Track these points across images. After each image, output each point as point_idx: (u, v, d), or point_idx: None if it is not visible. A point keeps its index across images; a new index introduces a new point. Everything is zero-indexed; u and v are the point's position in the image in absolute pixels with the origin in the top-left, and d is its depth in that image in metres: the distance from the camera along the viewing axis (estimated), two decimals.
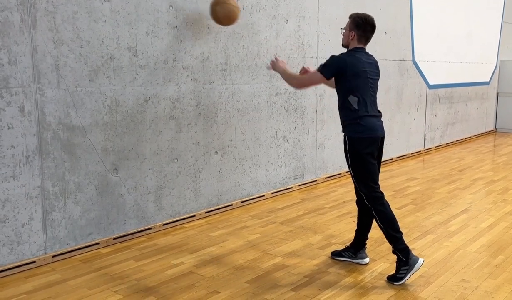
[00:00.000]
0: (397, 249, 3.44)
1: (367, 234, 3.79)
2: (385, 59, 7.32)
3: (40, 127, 3.65)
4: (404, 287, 3.39)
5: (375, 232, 4.16)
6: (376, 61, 3.61)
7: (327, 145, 6.44)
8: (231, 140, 5.14)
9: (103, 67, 3.98)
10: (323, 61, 3.61)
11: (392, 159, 7.82)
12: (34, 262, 3.71)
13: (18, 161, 3.56)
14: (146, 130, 4.34)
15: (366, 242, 3.82)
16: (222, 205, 5.14)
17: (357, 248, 3.79)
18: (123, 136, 4.18)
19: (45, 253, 3.78)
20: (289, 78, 3.69)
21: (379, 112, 3.59)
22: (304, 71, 3.83)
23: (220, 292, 3.31)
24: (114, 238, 4.21)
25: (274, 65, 3.77)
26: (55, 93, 3.70)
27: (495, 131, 11.64)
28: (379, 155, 3.59)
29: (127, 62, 4.14)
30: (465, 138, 10.28)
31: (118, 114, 4.13)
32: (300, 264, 3.80)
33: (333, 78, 3.52)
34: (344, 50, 3.64)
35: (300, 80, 3.71)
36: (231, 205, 5.23)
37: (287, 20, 5.63)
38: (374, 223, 3.70)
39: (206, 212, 4.97)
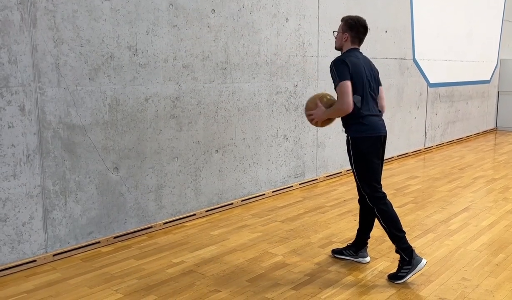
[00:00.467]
0: (400, 248, 3.44)
1: (369, 233, 3.78)
2: (386, 58, 7.31)
3: (41, 126, 3.64)
4: (405, 285, 3.39)
5: (376, 230, 4.16)
6: (371, 61, 3.63)
7: (327, 144, 6.44)
8: (232, 139, 5.14)
9: (103, 66, 3.98)
10: (324, 66, 3.59)
11: (392, 157, 7.82)
12: (34, 261, 3.71)
13: (19, 160, 3.56)
14: (146, 129, 4.34)
15: (368, 241, 3.82)
16: (223, 204, 5.14)
17: (358, 247, 3.79)
18: (124, 135, 4.18)
19: (46, 252, 3.78)
20: (334, 112, 3.47)
21: (380, 111, 3.59)
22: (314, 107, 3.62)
23: (220, 291, 3.31)
24: (115, 237, 4.21)
25: (315, 116, 3.56)
26: (55, 92, 3.70)
27: (496, 130, 11.63)
28: (382, 154, 3.58)
29: (127, 61, 4.13)
30: (466, 136, 10.27)
31: (119, 113, 4.12)
32: (301, 262, 3.80)
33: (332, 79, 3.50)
34: (338, 53, 3.62)
35: (340, 104, 3.41)
36: (232, 203, 5.23)
37: (287, 18, 5.63)
38: (375, 222, 3.70)
39: (206, 211, 4.97)
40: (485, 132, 11.10)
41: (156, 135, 4.43)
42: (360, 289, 3.35)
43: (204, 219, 4.86)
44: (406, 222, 4.68)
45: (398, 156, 7.98)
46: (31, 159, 3.62)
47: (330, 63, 3.48)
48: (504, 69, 11.52)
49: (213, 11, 4.78)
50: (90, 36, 3.87)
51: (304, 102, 5.96)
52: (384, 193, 3.52)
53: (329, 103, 3.54)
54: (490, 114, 11.35)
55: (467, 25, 9.71)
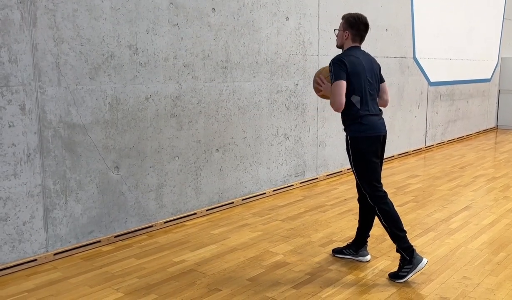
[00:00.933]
0: (401, 247, 3.44)
1: (369, 232, 3.78)
2: (386, 56, 7.31)
3: (41, 125, 3.64)
4: (405, 284, 3.39)
5: (376, 229, 4.16)
6: (373, 58, 3.61)
7: (328, 143, 6.43)
8: (232, 138, 5.14)
9: (103, 65, 3.97)
10: (325, 64, 3.59)
11: (393, 156, 7.81)
12: (35, 260, 3.71)
13: (19, 159, 3.56)
14: (147, 128, 4.34)
15: (368, 240, 3.82)
16: (223, 203, 5.14)
17: (358, 245, 3.79)
18: (124, 134, 4.18)
19: (47, 251, 3.78)
20: (331, 102, 3.47)
21: (380, 110, 3.58)
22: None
23: (221, 290, 3.31)
24: (115, 236, 4.21)
25: (324, 90, 3.57)
26: (55, 91, 3.70)
27: (497, 129, 11.63)
28: (381, 153, 3.58)
29: (127, 60, 4.13)
30: (466, 135, 10.27)
31: (119, 112, 4.12)
32: (301, 261, 3.80)
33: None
34: (340, 51, 3.62)
35: (331, 103, 3.43)
36: (232, 202, 5.23)
37: (287, 17, 5.62)
38: (376, 220, 3.70)
39: (207, 210, 4.97)
40: (485, 131, 11.10)
41: (157, 134, 4.42)
42: (361, 288, 3.35)
43: (205, 218, 4.86)
44: (406, 221, 4.68)
45: (398, 155, 7.98)
46: (32, 158, 3.62)
47: (329, 62, 3.48)
48: (505, 68, 11.51)
49: (213, 10, 4.78)
50: (90, 35, 3.86)
51: (305, 101, 5.97)
52: (384, 192, 3.51)
53: None
54: (490, 113, 11.34)
55: (468, 24, 9.70)
